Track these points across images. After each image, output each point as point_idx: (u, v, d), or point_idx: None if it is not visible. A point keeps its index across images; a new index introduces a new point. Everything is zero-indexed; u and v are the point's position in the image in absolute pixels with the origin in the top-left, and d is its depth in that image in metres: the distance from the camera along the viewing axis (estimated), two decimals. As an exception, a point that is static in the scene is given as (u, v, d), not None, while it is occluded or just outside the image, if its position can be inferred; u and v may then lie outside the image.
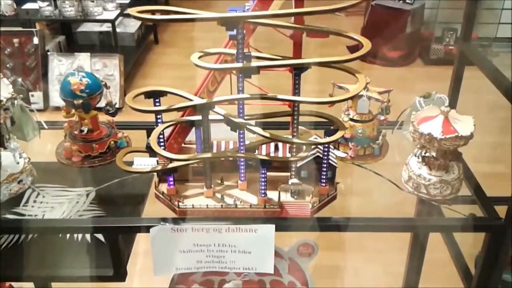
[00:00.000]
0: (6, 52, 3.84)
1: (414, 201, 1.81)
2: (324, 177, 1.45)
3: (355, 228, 1.43)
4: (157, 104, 1.41)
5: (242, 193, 1.46)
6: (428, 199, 1.48)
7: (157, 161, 1.46)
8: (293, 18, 1.39)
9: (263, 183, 1.40)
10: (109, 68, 3.95)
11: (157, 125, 1.43)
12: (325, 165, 1.44)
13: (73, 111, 1.59)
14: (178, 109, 1.37)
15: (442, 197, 1.48)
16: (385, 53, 4.54)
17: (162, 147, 1.42)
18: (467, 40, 1.83)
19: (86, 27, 4.64)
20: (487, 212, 1.48)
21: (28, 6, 4.05)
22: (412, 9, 4.51)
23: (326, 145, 1.42)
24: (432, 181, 1.46)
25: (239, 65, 1.29)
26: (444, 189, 1.47)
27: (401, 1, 4.56)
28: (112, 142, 1.61)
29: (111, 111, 1.61)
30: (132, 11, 1.24)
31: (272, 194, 1.43)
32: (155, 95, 1.40)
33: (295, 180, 1.43)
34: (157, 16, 1.33)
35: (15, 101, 1.52)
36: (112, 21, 3.93)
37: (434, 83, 4.12)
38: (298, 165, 1.47)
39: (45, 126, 1.77)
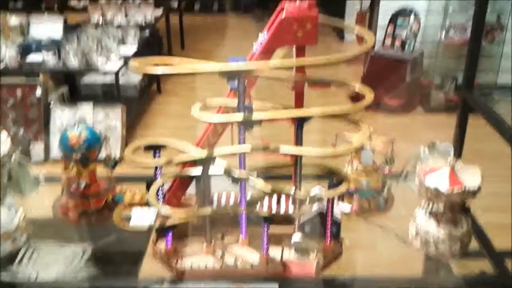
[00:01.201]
0: (8, 103, 3.85)
1: (422, 255, 1.74)
2: (328, 233, 1.40)
3: None
4: (156, 156, 1.39)
5: (244, 250, 1.40)
6: (437, 256, 1.42)
7: (156, 216, 1.42)
8: (294, 68, 1.38)
9: (265, 240, 1.35)
10: (111, 119, 3.95)
11: (156, 178, 1.40)
12: (329, 220, 1.40)
13: (71, 165, 1.56)
14: (178, 163, 1.34)
15: (451, 253, 1.42)
16: (386, 101, 4.55)
17: (161, 202, 1.38)
18: (469, 88, 1.82)
19: (89, 78, 4.68)
20: (498, 269, 1.42)
21: (32, 57, 4.10)
22: (411, 58, 4.56)
23: (330, 199, 1.37)
24: (440, 236, 1.41)
25: (241, 116, 1.27)
26: (453, 245, 1.41)
27: (400, 51, 4.61)
28: (110, 197, 1.57)
29: (110, 165, 1.58)
30: (133, 64, 1.23)
31: (275, 251, 1.37)
32: (154, 148, 1.38)
33: (298, 237, 1.38)
34: (162, 68, 1.32)
35: (13, 156, 1.49)
36: (115, 73, 3.97)
37: (436, 131, 4.11)
38: (301, 220, 1.42)
39: (43, 181, 1.73)
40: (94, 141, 1.52)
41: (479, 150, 2.81)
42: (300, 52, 1.35)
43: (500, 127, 1.63)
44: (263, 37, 1.31)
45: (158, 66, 1.28)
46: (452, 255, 1.42)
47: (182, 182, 1.47)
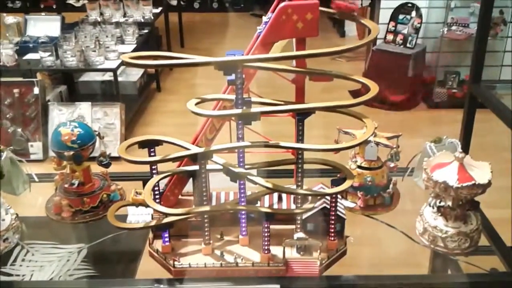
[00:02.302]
0: (6, 102, 3.80)
1: (429, 252, 1.69)
2: (332, 230, 1.35)
3: (368, 287, 1.31)
4: (152, 154, 1.33)
5: (244, 249, 1.35)
6: (447, 253, 1.37)
7: (152, 215, 1.36)
8: (295, 62, 1.32)
9: (266, 238, 1.29)
10: (110, 117, 3.91)
11: (152, 176, 1.34)
12: (333, 217, 1.34)
13: (64, 163, 1.50)
14: (173, 159, 1.28)
15: (460, 250, 1.36)
16: (388, 97, 4.49)
17: (158, 200, 1.33)
18: (477, 83, 1.77)
19: (88, 76, 4.63)
20: (509, 265, 1.37)
21: (29, 56, 4.05)
22: (413, 53, 4.49)
23: (334, 196, 1.32)
24: (449, 233, 1.35)
25: (238, 111, 1.21)
26: (462, 242, 1.35)
27: (401, 46, 4.56)
28: (105, 196, 1.51)
29: (105, 162, 1.52)
30: (124, 57, 1.17)
31: (277, 250, 1.32)
32: (149, 145, 1.32)
33: (301, 234, 1.32)
34: (155, 62, 1.27)
35: (3, 154, 1.44)
36: (114, 70, 3.91)
37: (440, 127, 4.05)
38: (304, 217, 1.36)
39: (36, 179, 1.69)
40: (88, 138, 1.47)
41: (484, 144, 2.75)
42: (301, 45, 1.30)
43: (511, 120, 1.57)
44: (267, 18, 1.25)
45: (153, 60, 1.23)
46: (461, 252, 1.36)
47: (179, 179, 1.41)
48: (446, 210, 1.36)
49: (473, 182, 1.28)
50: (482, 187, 1.30)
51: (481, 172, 1.33)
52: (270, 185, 1.24)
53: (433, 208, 1.39)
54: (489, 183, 1.31)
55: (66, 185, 1.51)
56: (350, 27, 6.08)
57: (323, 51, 1.20)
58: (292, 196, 1.42)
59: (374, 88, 1.20)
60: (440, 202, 1.37)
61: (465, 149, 1.78)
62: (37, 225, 1.63)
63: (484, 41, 1.78)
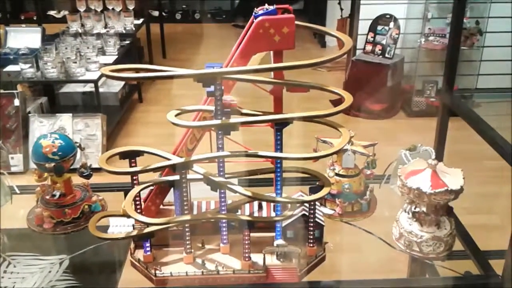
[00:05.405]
0: (-15, 114, 3.78)
1: (407, 258, 1.73)
2: (311, 237, 1.38)
3: (347, 292, 1.34)
4: (133, 164, 1.35)
5: (225, 257, 1.37)
6: (422, 258, 1.41)
7: (133, 225, 1.38)
8: (272, 73, 1.36)
9: (246, 246, 1.32)
10: (91, 128, 3.90)
11: (133, 187, 1.36)
12: (312, 224, 1.37)
13: (45, 174, 1.51)
14: (154, 170, 1.30)
15: (435, 254, 1.40)
16: (367, 106, 4.57)
17: (139, 210, 1.34)
18: (449, 92, 1.82)
19: (69, 87, 4.61)
20: (483, 269, 1.41)
21: (10, 68, 4.03)
22: (392, 63, 4.58)
23: (312, 203, 1.35)
24: (424, 238, 1.39)
25: (218, 122, 1.24)
26: (437, 246, 1.40)
27: (380, 56, 4.64)
28: (86, 207, 1.53)
29: (86, 173, 1.53)
30: (104, 70, 1.20)
31: (257, 257, 1.34)
32: (130, 155, 1.34)
33: (280, 242, 1.35)
34: (134, 74, 1.29)
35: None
36: (95, 82, 3.91)
37: (418, 135, 4.13)
38: (283, 224, 1.39)
39: (17, 191, 1.69)
40: (68, 150, 1.48)
41: (460, 152, 2.81)
42: (278, 57, 1.34)
43: (482, 130, 1.62)
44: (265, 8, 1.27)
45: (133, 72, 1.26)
46: (436, 256, 1.41)
47: (160, 189, 1.43)
48: (420, 215, 1.41)
49: (445, 188, 1.33)
50: (454, 193, 1.35)
51: (453, 179, 1.38)
52: (250, 194, 1.26)
53: (408, 213, 1.43)
54: (461, 189, 1.36)
55: (47, 197, 1.52)
56: (331, 38, 6.16)
57: (300, 63, 1.24)
58: (272, 204, 1.45)
59: (348, 99, 1.25)
60: (415, 208, 1.42)
61: (439, 156, 1.83)
62: (19, 237, 1.63)
63: (456, 51, 1.83)
